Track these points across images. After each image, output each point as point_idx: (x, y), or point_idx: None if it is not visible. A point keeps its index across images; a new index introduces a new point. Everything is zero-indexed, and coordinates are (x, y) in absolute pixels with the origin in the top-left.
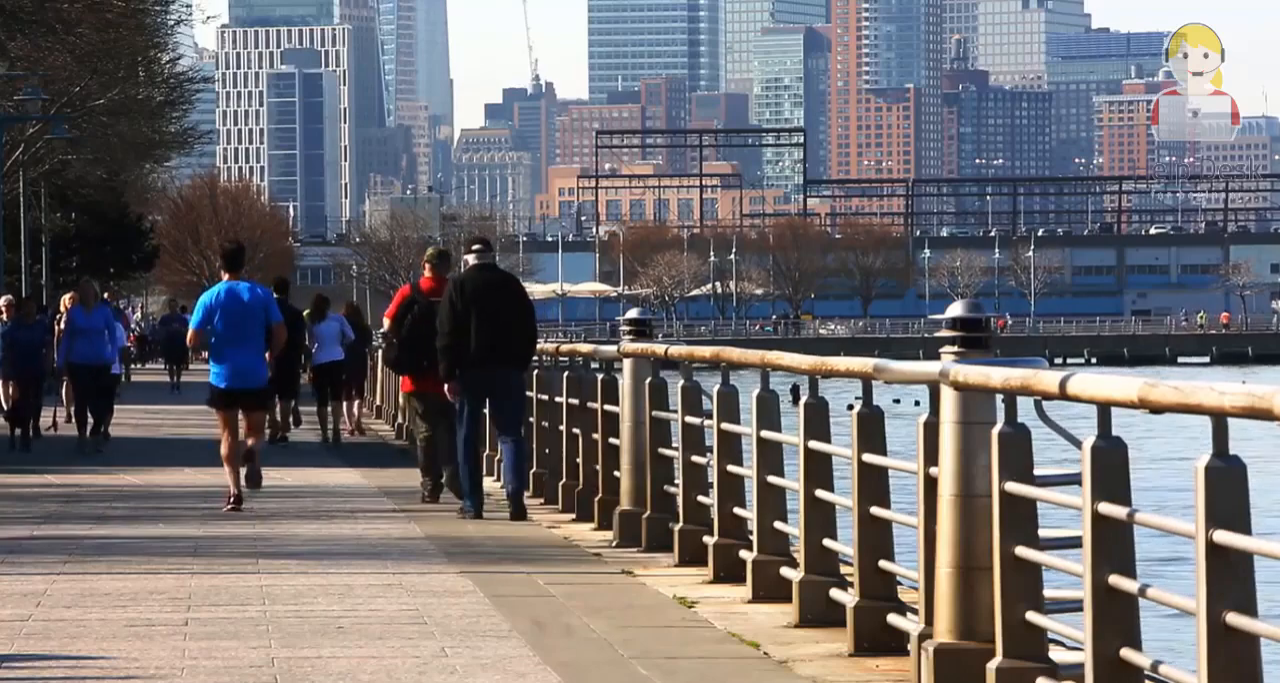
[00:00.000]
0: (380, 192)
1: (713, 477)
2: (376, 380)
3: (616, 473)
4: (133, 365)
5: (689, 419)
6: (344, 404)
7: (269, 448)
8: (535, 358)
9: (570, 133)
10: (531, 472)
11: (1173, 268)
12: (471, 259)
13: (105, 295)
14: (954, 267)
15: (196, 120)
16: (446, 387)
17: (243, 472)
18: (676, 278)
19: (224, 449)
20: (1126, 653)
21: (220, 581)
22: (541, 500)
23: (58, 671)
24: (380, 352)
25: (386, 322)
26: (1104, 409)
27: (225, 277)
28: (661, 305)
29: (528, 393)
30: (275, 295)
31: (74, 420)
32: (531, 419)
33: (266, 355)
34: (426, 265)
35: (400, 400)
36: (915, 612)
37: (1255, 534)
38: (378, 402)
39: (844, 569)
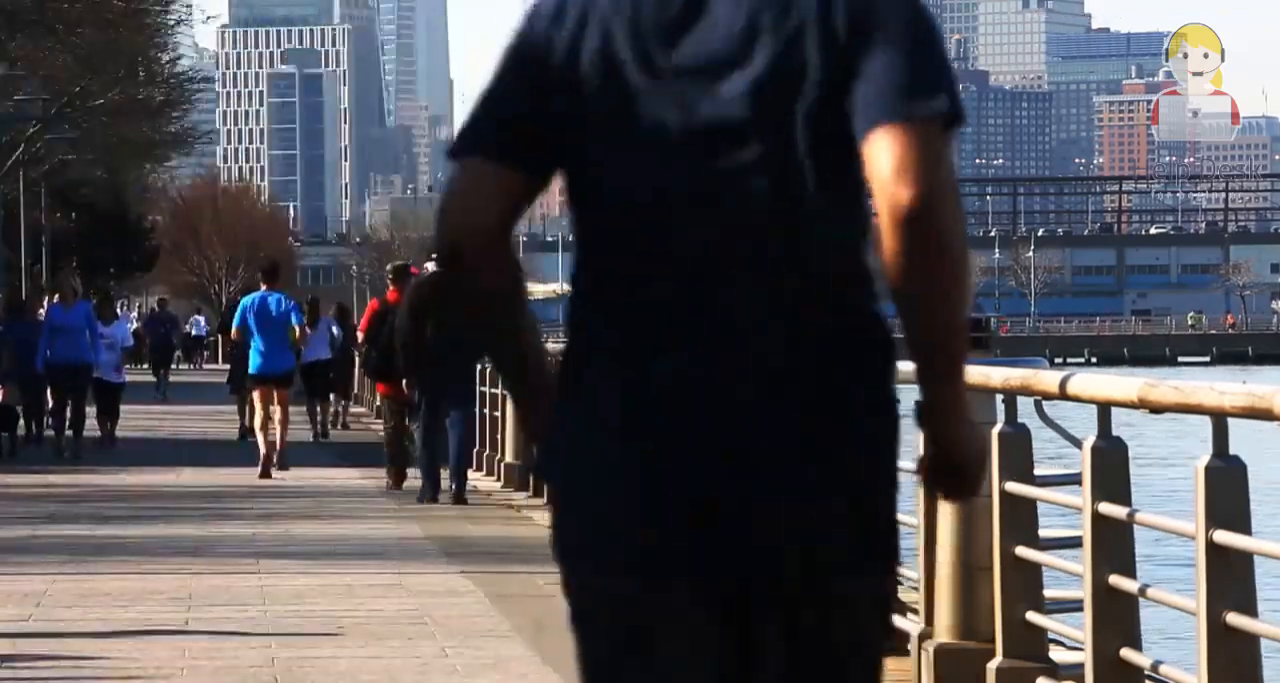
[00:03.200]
0: (380, 191)
1: None
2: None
3: None
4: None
5: None
6: (330, 401)
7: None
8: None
9: None
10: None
11: (1173, 268)
12: (430, 265)
13: (88, 297)
14: None
15: (197, 120)
16: (404, 381)
17: (274, 457)
18: None
19: (257, 421)
20: (1126, 653)
21: (220, 581)
22: (542, 501)
23: (58, 671)
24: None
25: (360, 336)
26: (1104, 409)
27: (263, 287)
28: None
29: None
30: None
31: (50, 423)
32: None
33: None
34: (389, 280)
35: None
36: (915, 612)
37: (1255, 534)
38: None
39: None
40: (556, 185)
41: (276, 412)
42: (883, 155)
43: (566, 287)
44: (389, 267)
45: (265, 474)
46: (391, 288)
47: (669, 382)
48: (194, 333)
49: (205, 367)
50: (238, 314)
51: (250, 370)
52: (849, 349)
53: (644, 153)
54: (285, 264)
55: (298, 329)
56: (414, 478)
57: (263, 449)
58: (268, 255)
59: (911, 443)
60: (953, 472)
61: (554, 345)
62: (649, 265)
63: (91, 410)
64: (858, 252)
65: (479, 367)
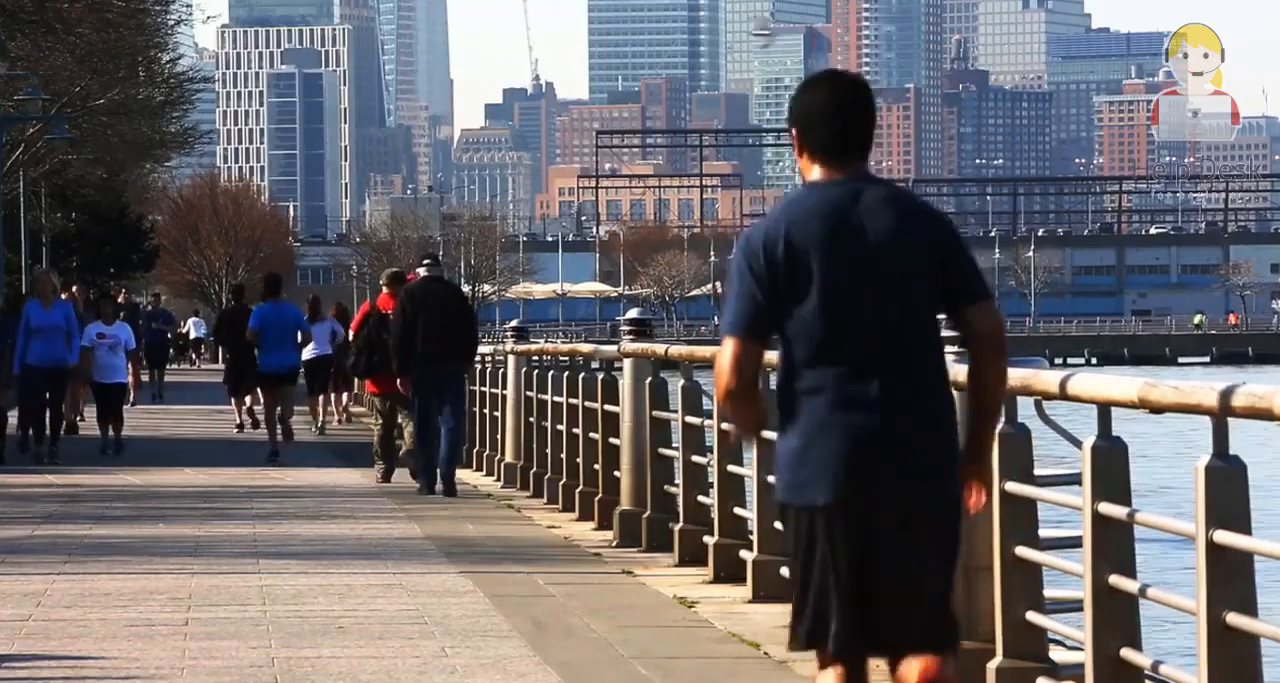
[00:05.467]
0: (380, 191)
1: (713, 477)
2: None
3: (616, 473)
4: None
5: (689, 419)
6: (331, 396)
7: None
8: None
9: (570, 133)
10: (534, 472)
11: (1173, 268)
12: (423, 271)
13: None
14: None
15: (196, 120)
16: (399, 380)
17: (279, 438)
18: (676, 278)
19: (264, 413)
20: (1126, 653)
21: (220, 581)
22: (542, 500)
23: (58, 671)
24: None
25: (351, 334)
26: (1104, 409)
27: (268, 299)
28: (661, 305)
29: (528, 393)
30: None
31: (20, 424)
32: (531, 419)
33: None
34: (383, 285)
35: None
36: None
37: (1255, 534)
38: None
39: None
40: (559, 177)
41: (279, 412)
42: (983, 315)
43: (567, 286)
44: (385, 274)
45: (274, 455)
46: (385, 293)
47: (856, 425)
48: (192, 334)
49: (203, 367)
50: (253, 318)
51: (259, 369)
52: (940, 409)
53: (836, 313)
54: (285, 264)
55: (304, 336)
56: (399, 475)
57: (269, 438)
58: (270, 271)
59: None
60: (979, 469)
61: (553, 344)
62: (839, 372)
63: (89, 410)
64: (939, 359)
65: (469, 368)
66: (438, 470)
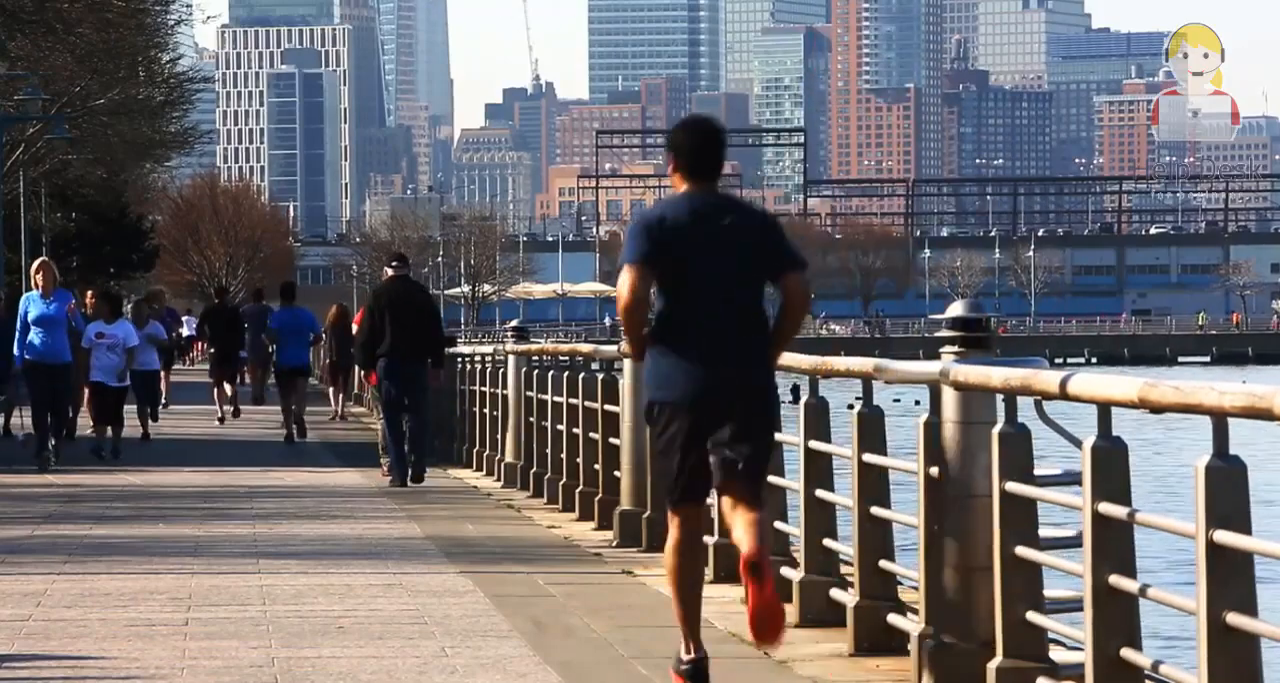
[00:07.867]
0: (380, 191)
1: None
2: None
3: (616, 473)
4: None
5: None
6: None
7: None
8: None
9: (570, 133)
10: (534, 472)
11: (1173, 268)
12: (390, 272)
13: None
14: (954, 267)
15: (196, 120)
16: (364, 373)
17: (294, 428)
18: None
19: (281, 405)
20: (1126, 653)
21: (220, 581)
22: (542, 500)
23: (58, 671)
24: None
25: (355, 327)
26: (1104, 409)
27: (284, 305)
28: None
29: (528, 393)
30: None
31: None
32: (531, 419)
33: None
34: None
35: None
36: (915, 612)
37: (1255, 534)
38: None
39: (844, 569)
40: (559, 177)
41: (291, 403)
42: (793, 281)
43: (567, 286)
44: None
45: (289, 439)
46: None
47: (707, 349)
48: (184, 333)
49: (193, 366)
50: (273, 321)
51: (277, 365)
52: (762, 342)
53: (697, 276)
54: (285, 264)
55: (315, 337)
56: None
57: (295, 431)
58: (270, 271)
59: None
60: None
61: (553, 344)
62: (697, 314)
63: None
64: (763, 310)
65: (428, 365)
66: (408, 462)
